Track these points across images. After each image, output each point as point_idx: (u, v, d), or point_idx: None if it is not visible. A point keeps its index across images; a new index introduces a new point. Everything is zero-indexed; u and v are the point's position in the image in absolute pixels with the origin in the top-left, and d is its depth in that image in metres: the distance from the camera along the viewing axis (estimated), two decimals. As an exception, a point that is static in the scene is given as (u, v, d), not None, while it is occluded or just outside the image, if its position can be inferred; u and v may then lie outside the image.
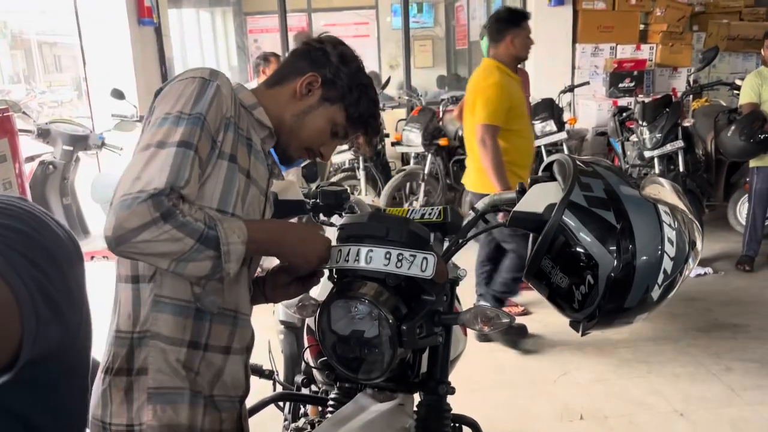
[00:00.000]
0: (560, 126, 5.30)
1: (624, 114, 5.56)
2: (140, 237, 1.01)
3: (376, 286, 1.20)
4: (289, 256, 1.24)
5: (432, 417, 1.26)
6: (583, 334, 1.19)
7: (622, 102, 5.97)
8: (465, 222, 1.37)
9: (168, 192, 1.03)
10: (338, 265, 1.24)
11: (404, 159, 5.80)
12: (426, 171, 5.29)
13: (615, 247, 1.09)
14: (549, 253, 1.15)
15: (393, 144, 5.76)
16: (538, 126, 5.33)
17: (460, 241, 1.33)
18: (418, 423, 1.26)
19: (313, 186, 1.59)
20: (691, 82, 5.55)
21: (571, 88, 5.75)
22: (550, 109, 5.33)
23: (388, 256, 1.20)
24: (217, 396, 1.22)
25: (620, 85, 6.18)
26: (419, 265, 1.19)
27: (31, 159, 4.57)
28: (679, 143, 4.58)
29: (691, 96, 5.68)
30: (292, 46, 7.30)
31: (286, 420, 1.97)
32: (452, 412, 1.51)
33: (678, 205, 1.16)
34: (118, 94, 5.02)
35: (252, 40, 9.24)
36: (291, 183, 1.53)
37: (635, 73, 6.20)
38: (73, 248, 0.83)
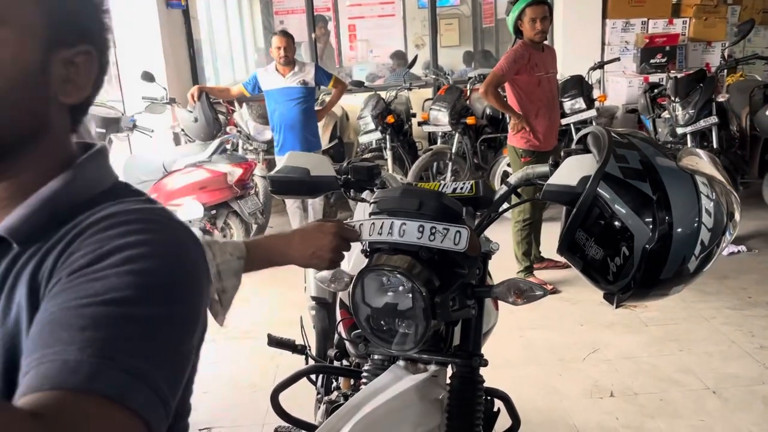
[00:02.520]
0: (590, 103, 5.22)
1: (655, 90, 5.45)
2: None
3: (410, 259, 1.21)
4: (300, 261, 1.28)
5: (465, 388, 1.28)
6: (617, 306, 1.19)
7: (654, 78, 5.85)
8: (497, 196, 1.37)
9: None
10: (372, 238, 1.25)
11: (431, 138, 5.78)
12: (453, 150, 5.26)
13: (651, 219, 1.08)
14: (583, 226, 1.15)
15: (420, 124, 5.74)
16: (567, 104, 5.26)
17: (492, 215, 1.34)
18: (452, 394, 1.28)
19: (345, 162, 1.59)
20: (726, 57, 5.41)
21: (600, 65, 5.66)
22: (579, 86, 5.25)
23: (421, 229, 1.21)
24: None
25: (652, 60, 6.06)
26: (452, 238, 1.19)
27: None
28: (713, 119, 4.49)
29: (725, 71, 5.54)
30: (318, 27, 7.28)
31: (318, 393, 2.01)
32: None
33: (716, 176, 1.15)
34: (148, 77, 5.09)
35: (278, 22, 9.25)
36: (323, 159, 1.54)
37: (667, 48, 6.06)
38: None
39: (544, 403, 2.83)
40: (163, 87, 5.25)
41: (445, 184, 1.39)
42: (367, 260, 1.29)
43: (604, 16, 6.27)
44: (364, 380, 1.37)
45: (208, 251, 1.08)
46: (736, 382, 2.88)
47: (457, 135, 5.28)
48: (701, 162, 1.15)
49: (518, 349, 3.32)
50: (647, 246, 1.08)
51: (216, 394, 3.04)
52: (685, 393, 2.82)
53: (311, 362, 2.08)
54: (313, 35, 6.82)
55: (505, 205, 1.38)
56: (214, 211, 4.51)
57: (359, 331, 1.32)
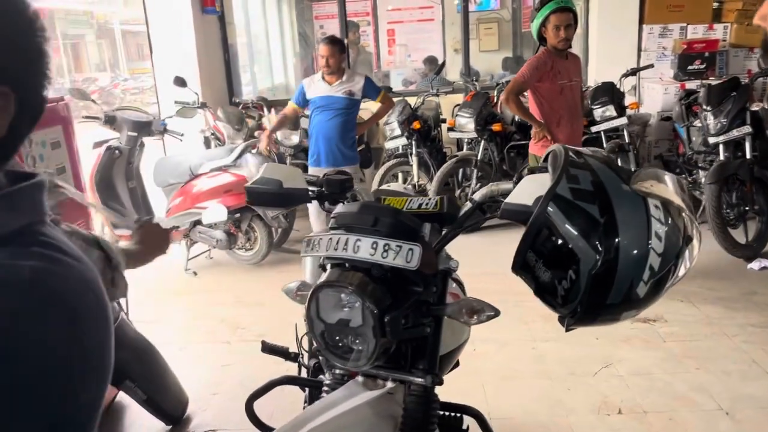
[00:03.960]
0: (620, 111, 5.12)
1: (690, 98, 5.29)
2: None
3: (361, 276, 1.21)
4: None
5: (418, 407, 1.27)
6: (567, 330, 1.16)
7: (691, 85, 5.68)
8: (462, 212, 1.36)
9: None
10: (328, 253, 1.26)
11: (459, 145, 5.75)
12: (479, 157, 5.22)
13: (597, 242, 1.06)
14: (533, 247, 1.13)
15: (448, 130, 5.72)
16: (597, 111, 5.18)
17: (453, 232, 1.33)
18: (405, 412, 1.27)
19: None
20: (761, 65, 5.22)
21: (633, 71, 5.52)
22: (610, 93, 5.16)
23: (374, 245, 1.21)
24: None
25: (689, 67, 5.88)
26: (405, 255, 1.19)
27: (99, 144, 4.81)
28: (746, 128, 4.33)
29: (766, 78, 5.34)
30: (351, 32, 7.33)
31: (305, 402, 2.02)
32: (458, 402, 1.52)
33: (672, 200, 1.11)
34: (180, 82, 5.22)
35: (318, 27, 9.35)
36: (295, 171, 1.55)
37: (706, 54, 5.88)
38: None
39: (548, 418, 2.79)
40: (195, 92, 5.38)
41: (411, 200, 1.39)
42: (324, 275, 1.30)
43: (641, 22, 6.13)
44: (323, 394, 1.37)
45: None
46: (751, 403, 2.77)
47: (483, 142, 5.24)
48: (658, 185, 1.12)
49: (529, 362, 3.27)
50: (593, 270, 1.05)
51: (225, 396, 3.10)
52: (696, 413, 2.73)
53: (304, 370, 2.10)
54: (345, 41, 6.86)
55: (470, 222, 1.37)
56: (238, 215, 4.59)
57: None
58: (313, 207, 4.94)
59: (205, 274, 4.86)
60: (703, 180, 4.80)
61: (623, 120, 5.09)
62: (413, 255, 1.19)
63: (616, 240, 1.05)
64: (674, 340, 3.38)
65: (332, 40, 4.37)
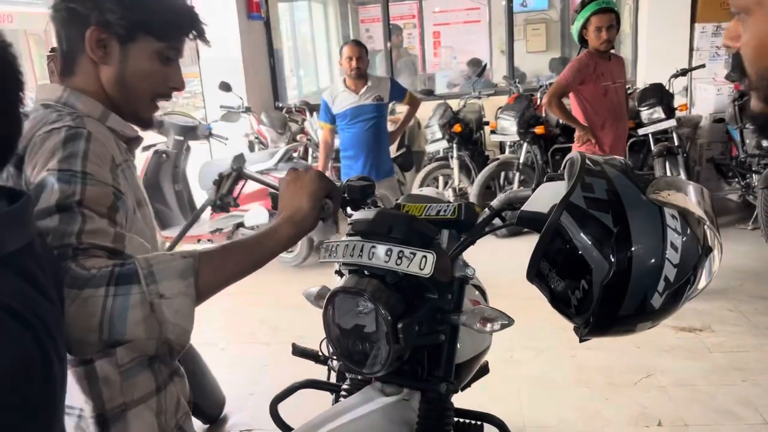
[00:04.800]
0: (669, 113, 4.97)
1: (744, 99, 5.10)
2: None
3: (376, 282, 1.22)
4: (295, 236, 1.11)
5: (431, 415, 1.27)
6: (581, 341, 1.14)
7: (746, 86, 5.48)
8: (480, 219, 1.35)
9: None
10: (344, 259, 1.27)
11: (502, 148, 5.70)
12: (521, 160, 5.16)
13: (610, 252, 1.03)
14: (546, 256, 1.12)
15: (491, 133, 5.67)
16: (645, 113, 5.04)
17: (470, 239, 1.32)
18: (419, 420, 1.27)
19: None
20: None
21: (684, 72, 5.36)
22: (658, 95, 5.02)
23: (389, 252, 1.22)
24: (180, 417, 1.21)
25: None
26: (418, 263, 1.19)
27: (147, 148, 4.97)
28: (803, 131, 4.14)
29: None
30: (394, 35, 7.34)
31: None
32: (493, 409, 1.50)
33: (691, 210, 1.08)
34: (225, 87, 5.34)
35: (364, 30, 9.42)
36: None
37: (763, 53, 5.65)
38: None
39: (585, 428, 2.73)
40: (240, 96, 5.49)
41: (429, 206, 1.39)
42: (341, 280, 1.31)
43: (693, 20, 5.94)
44: (341, 399, 1.39)
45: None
46: (801, 419, 2.66)
47: (525, 145, 5.18)
48: (676, 195, 1.09)
49: (567, 370, 3.21)
50: (604, 281, 1.03)
51: (261, 397, 3.15)
52: (740, 427, 2.63)
53: (333, 374, 2.13)
54: (388, 44, 6.89)
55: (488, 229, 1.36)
56: (279, 217, 4.66)
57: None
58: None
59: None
60: (756, 184, 4.62)
61: (672, 122, 4.94)
62: (427, 262, 1.19)
63: (630, 250, 1.03)
64: (720, 351, 3.26)
65: (357, 42, 4.21)
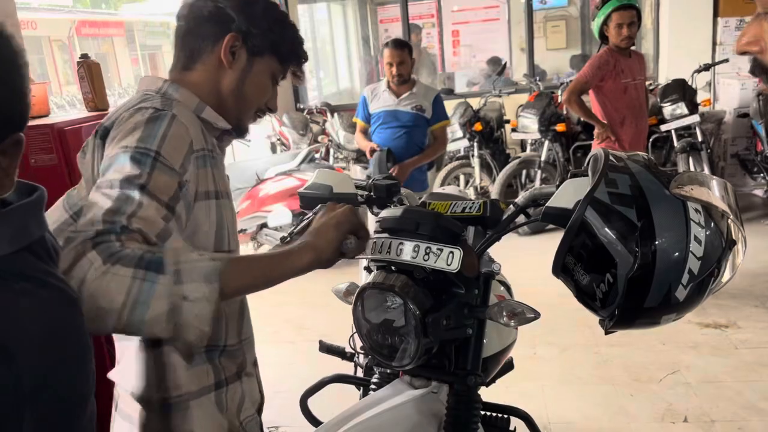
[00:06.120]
0: (692, 108, 4.94)
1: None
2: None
3: (404, 278, 1.25)
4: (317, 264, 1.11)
5: (460, 407, 1.30)
6: (606, 333, 1.16)
7: (770, 80, 5.41)
8: (505, 216, 1.38)
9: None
10: (372, 256, 1.31)
11: (523, 146, 5.70)
12: (543, 158, 5.16)
13: (634, 246, 1.06)
14: (571, 251, 1.14)
15: (512, 131, 5.68)
16: (668, 109, 5.02)
17: (495, 235, 1.35)
18: (448, 412, 1.30)
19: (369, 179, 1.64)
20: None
21: (707, 67, 5.32)
22: (680, 90, 4.99)
23: (416, 249, 1.25)
24: (244, 419, 1.25)
25: (768, 60, 5.60)
26: (445, 258, 1.23)
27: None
28: (829, 125, 4.10)
29: None
30: (413, 34, 7.36)
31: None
32: (516, 405, 1.53)
33: (714, 203, 1.10)
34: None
35: (383, 30, 9.45)
36: (345, 177, 1.61)
37: (788, 46, 5.58)
38: None
39: (609, 425, 2.74)
40: (261, 98, 5.55)
41: (455, 204, 1.42)
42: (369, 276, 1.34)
43: (716, 15, 5.89)
44: (370, 392, 1.42)
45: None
46: (830, 415, 2.64)
47: (546, 142, 5.18)
48: (699, 189, 1.11)
49: (591, 366, 3.22)
50: (629, 274, 1.05)
51: (288, 394, 3.19)
52: (767, 423, 2.62)
53: (359, 370, 2.17)
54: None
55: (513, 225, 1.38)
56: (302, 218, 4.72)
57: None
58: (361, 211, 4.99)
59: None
60: (782, 179, 4.58)
61: (695, 118, 4.91)
62: (453, 258, 1.22)
63: (654, 243, 1.05)
64: (747, 347, 3.24)
65: (400, 43, 3.66)
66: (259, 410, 1.34)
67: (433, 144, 3.79)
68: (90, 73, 2.46)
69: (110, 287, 0.87)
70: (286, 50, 1.27)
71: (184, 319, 0.92)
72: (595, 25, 3.78)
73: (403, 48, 3.62)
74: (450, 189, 2.77)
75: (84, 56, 2.54)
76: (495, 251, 1.40)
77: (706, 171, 4.72)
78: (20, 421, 0.62)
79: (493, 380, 1.57)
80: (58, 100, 12.85)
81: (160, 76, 1.25)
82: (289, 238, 1.40)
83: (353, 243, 1.12)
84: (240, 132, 1.31)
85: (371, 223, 1.35)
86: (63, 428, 0.70)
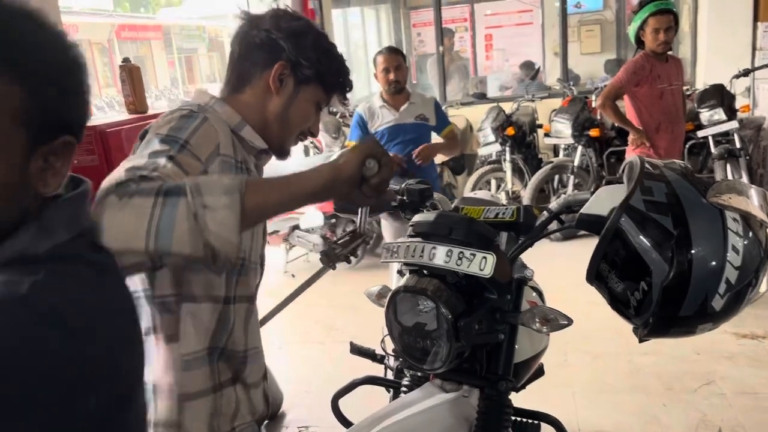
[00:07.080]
0: (731, 114, 4.84)
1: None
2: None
3: (437, 282, 1.27)
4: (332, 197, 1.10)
5: (491, 411, 1.30)
6: (641, 341, 1.16)
7: (812, 85, 5.29)
8: (538, 222, 1.38)
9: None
10: (405, 259, 1.33)
11: (556, 151, 5.66)
12: (576, 163, 5.11)
13: (670, 254, 1.05)
14: (606, 258, 1.14)
15: (545, 135, 5.64)
16: (705, 115, 4.92)
17: (529, 241, 1.35)
18: (479, 416, 1.31)
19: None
20: None
21: (746, 72, 5.20)
22: (718, 96, 4.88)
23: (449, 253, 1.26)
24: (237, 425, 1.27)
25: (810, 66, 5.46)
26: (478, 263, 1.23)
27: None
28: None
29: None
30: (446, 38, 7.35)
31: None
32: (539, 409, 1.53)
33: (755, 213, 1.09)
34: (281, 93, 5.46)
35: (415, 34, 9.47)
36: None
37: (831, 51, 5.44)
38: None
39: (641, 434, 2.70)
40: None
41: (488, 209, 1.42)
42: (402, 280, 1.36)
43: (756, 19, 5.76)
44: (401, 394, 1.44)
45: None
46: None
47: (580, 147, 5.13)
48: (737, 198, 1.10)
49: (624, 375, 3.18)
50: (664, 282, 1.05)
51: (317, 394, 3.23)
52: (806, 437, 2.56)
53: (389, 372, 2.18)
54: (441, 48, 6.92)
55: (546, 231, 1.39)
56: (333, 220, 4.76)
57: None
58: (383, 218, 4.97)
59: (302, 277, 5.02)
60: (824, 187, 4.45)
61: (734, 124, 4.81)
62: (486, 263, 1.23)
63: (690, 252, 1.05)
64: (785, 359, 3.17)
65: (394, 49, 3.55)
66: (260, 421, 1.35)
67: (449, 143, 3.67)
68: (131, 76, 2.53)
69: (135, 216, 0.88)
70: (332, 80, 1.33)
71: (208, 226, 0.90)
72: (632, 30, 3.74)
73: (398, 53, 3.51)
74: (482, 194, 2.77)
75: (125, 60, 2.61)
76: (527, 256, 1.40)
77: (745, 179, 4.62)
78: (87, 395, 0.65)
79: (523, 386, 1.57)
80: (98, 102, 13.18)
81: (207, 92, 1.32)
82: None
83: (374, 165, 1.08)
84: (281, 154, 1.38)
85: (389, 230, 1.38)
86: (125, 404, 0.73)
